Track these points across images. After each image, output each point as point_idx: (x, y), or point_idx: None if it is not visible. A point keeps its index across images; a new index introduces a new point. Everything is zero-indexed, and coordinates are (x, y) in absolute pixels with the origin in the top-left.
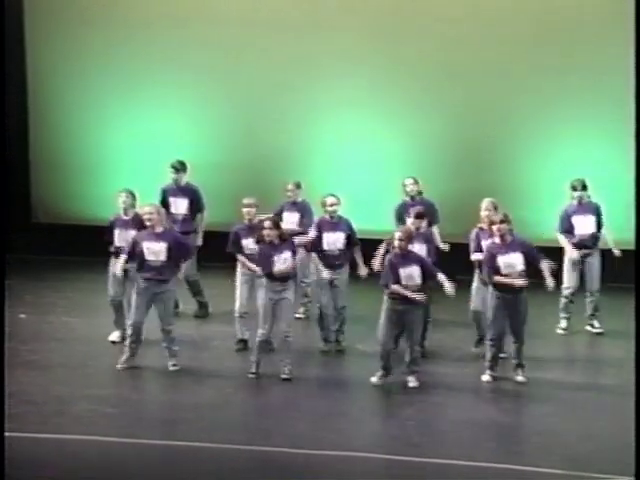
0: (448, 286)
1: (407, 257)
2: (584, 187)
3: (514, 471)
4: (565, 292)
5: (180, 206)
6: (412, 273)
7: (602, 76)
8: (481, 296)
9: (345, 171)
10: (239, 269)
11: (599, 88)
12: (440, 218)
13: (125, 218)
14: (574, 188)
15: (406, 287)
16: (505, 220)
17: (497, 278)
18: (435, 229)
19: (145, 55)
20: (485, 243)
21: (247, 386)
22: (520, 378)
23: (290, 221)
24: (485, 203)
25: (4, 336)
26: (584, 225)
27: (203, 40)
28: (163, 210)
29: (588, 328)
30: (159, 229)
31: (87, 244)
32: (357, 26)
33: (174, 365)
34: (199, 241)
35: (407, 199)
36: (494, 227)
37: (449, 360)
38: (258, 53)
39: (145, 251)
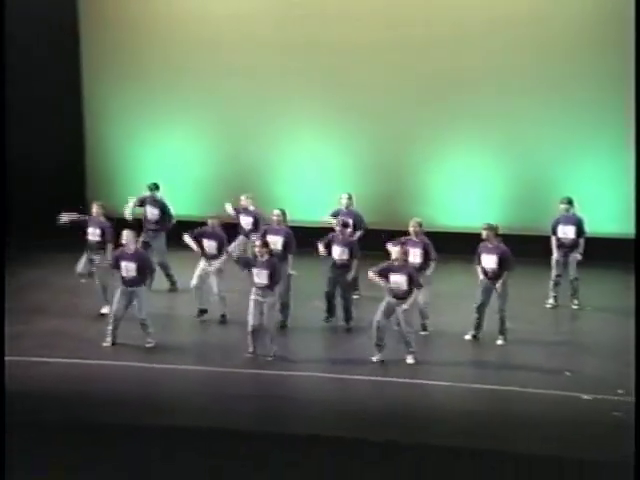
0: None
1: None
2: (569, 202)
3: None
4: (553, 277)
5: (155, 212)
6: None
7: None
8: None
9: (303, 177)
10: (202, 260)
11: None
12: (366, 225)
13: (96, 220)
14: (562, 202)
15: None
16: (487, 228)
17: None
18: (358, 233)
19: (171, 96)
20: (412, 250)
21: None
22: (500, 342)
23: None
24: (412, 222)
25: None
26: (565, 232)
27: (208, 89)
28: (134, 234)
29: (573, 307)
30: (131, 249)
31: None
32: (313, 72)
33: (149, 342)
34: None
35: (342, 208)
36: (482, 232)
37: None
38: (245, 100)
39: (122, 267)
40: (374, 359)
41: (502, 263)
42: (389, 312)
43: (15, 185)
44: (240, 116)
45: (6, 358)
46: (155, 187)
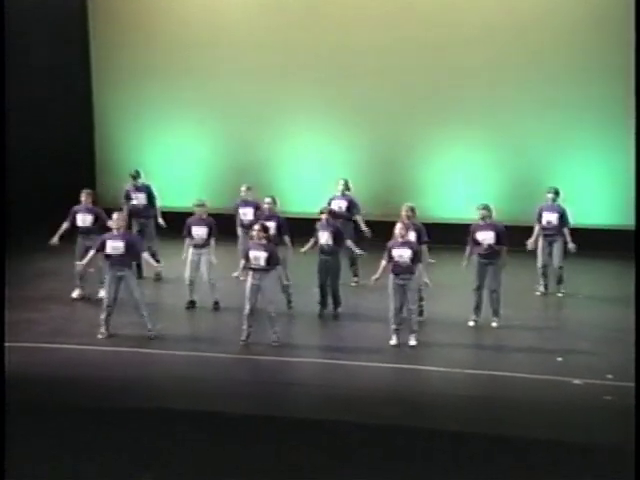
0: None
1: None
2: (556, 193)
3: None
4: (538, 266)
5: (141, 198)
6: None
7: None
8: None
9: (303, 172)
10: (189, 247)
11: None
12: (361, 209)
13: (84, 207)
14: (549, 192)
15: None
16: (484, 208)
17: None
18: (358, 217)
19: (174, 96)
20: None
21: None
22: (494, 324)
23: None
24: (405, 207)
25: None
26: (549, 220)
27: (214, 87)
28: (125, 217)
29: (559, 294)
30: (119, 230)
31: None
32: (315, 72)
33: (150, 331)
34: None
35: (337, 194)
36: (479, 212)
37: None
38: (248, 98)
39: (109, 246)
40: (392, 343)
41: (499, 238)
42: (400, 292)
43: (32, 177)
44: (244, 114)
45: (19, 344)
46: (137, 174)
